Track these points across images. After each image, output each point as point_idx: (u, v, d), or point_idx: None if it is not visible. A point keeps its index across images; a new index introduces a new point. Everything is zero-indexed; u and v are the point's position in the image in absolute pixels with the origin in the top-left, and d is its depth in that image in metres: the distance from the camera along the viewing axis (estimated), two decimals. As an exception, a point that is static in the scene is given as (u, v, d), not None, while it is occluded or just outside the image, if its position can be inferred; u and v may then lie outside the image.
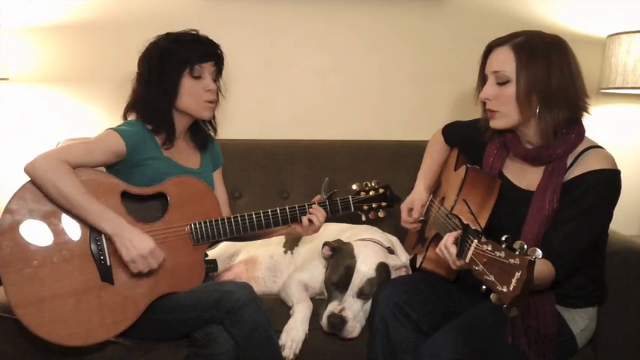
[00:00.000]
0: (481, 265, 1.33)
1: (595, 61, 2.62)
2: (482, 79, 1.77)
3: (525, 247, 1.28)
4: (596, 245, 1.73)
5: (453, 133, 2.13)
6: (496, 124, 1.75)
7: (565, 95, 1.67)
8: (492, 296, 1.31)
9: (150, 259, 1.74)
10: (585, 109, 1.73)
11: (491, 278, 1.30)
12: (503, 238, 1.33)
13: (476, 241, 1.38)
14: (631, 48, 2.42)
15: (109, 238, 1.76)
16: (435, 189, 2.10)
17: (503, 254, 1.30)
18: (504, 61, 1.69)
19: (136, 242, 1.73)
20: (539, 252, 1.27)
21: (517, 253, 1.28)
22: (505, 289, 1.27)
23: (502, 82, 1.69)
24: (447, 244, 1.52)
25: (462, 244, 1.44)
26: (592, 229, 1.66)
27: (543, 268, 1.55)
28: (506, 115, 1.71)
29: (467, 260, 1.39)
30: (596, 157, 1.69)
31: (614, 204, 1.70)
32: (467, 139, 2.04)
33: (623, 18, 2.60)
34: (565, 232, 1.64)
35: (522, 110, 1.68)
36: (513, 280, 1.25)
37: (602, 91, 2.61)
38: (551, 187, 1.70)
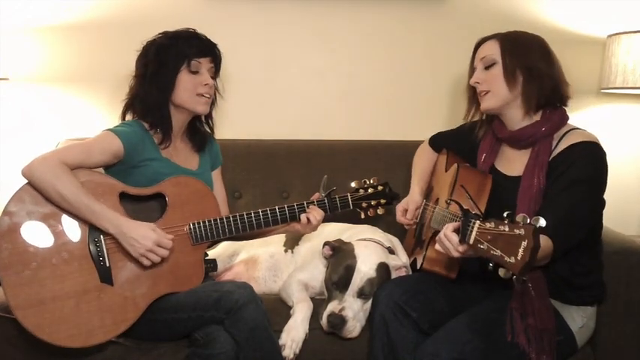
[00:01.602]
0: (486, 243, 1.35)
1: (595, 61, 2.62)
2: (472, 72, 1.92)
3: (528, 219, 1.30)
4: (588, 220, 1.72)
5: (441, 140, 2.20)
6: (487, 104, 1.85)
7: (546, 73, 1.79)
8: (501, 271, 1.33)
9: (158, 250, 1.76)
10: (567, 94, 1.83)
11: (498, 252, 1.32)
12: (505, 214, 1.35)
13: (478, 222, 1.38)
14: (631, 48, 2.42)
15: (112, 238, 1.77)
16: (427, 194, 2.11)
17: (507, 228, 1.32)
18: (490, 48, 1.85)
19: (140, 238, 1.74)
20: (542, 220, 1.30)
21: (521, 224, 1.30)
22: (513, 260, 1.28)
23: (489, 65, 1.84)
24: (447, 233, 1.53)
25: (463, 228, 1.44)
26: (583, 199, 1.68)
27: (542, 241, 1.54)
28: (495, 94, 1.83)
29: (471, 242, 1.39)
30: (578, 133, 1.77)
31: (602, 175, 1.73)
32: (457, 141, 2.10)
33: (623, 18, 2.60)
34: (557, 204, 1.66)
35: (509, 84, 1.80)
36: (520, 250, 1.28)
37: (602, 91, 2.61)
38: (538, 165, 1.75)
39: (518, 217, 1.32)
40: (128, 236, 1.74)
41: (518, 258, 1.28)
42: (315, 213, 1.95)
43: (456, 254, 1.52)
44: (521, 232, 1.29)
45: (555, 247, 1.60)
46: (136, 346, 1.85)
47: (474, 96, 1.93)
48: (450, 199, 1.76)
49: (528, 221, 1.30)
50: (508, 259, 1.29)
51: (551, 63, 1.81)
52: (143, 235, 1.74)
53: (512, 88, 1.80)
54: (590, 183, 1.70)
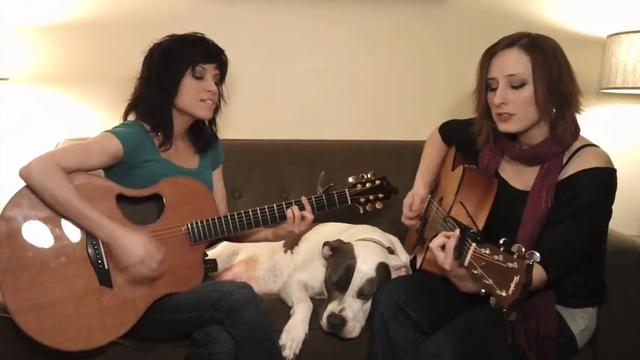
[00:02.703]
0: (480, 269, 1.33)
1: (595, 61, 2.62)
2: (485, 85, 1.75)
3: (523, 250, 1.27)
4: (591, 245, 1.70)
5: (450, 131, 2.14)
6: (509, 127, 1.71)
7: (573, 94, 1.69)
8: (492, 300, 1.31)
9: (148, 261, 1.72)
10: (580, 109, 1.74)
11: (490, 282, 1.30)
12: (501, 241, 1.32)
13: (474, 244, 1.37)
14: (631, 48, 2.42)
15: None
16: (434, 188, 2.10)
17: (501, 258, 1.29)
18: (518, 63, 1.67)
19: (131, 247, 1.71)
20: (537, 255, 1.26)
21: (515, 256, 1.27)
22: (504, 294, 1.26)
23: (518, 85, 1.67)
24: (448, 250, 1.47)
25: (460, 247, 1.43)
26: (585, 229, 1.65)
27: (535, 272, 1.52)
28: (522, 119, 1.69)
29: (465, 264, 1.38)
30: (591, 155, 1.68)
31: (609, 203, 1.69)
32: (464, 138, 2.03)
33: (623, 18, 2.60)
34: (557, 232, 1.62)
35: (541, 111, 1.67)
36: (512, 284, 1.25)
37: (602, 91, 2.61)
38: (546, 186, 1.69)
39: (514, 248, 1.29)
40: (121, 245, 1.71)
41: (510, 293, 1.25)
42: (308, 214, 1.93)
43: (446, 267, 1.48)
44: (515, 265, 1.26)
45: (548, 274, 1.58)
46: (136, 347, 1.85)
47: (487, 109, 1.78)
48: (449, 217, 1.72)
49: (523, 252, 1.27)
50: (499, 292, 1.27)
51: (573, 77, 1.70)
52: (135, 245, 1.71)
53: (542, 113, 1.67)
54: (594, 212, 1.65)
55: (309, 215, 1.94)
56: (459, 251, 1.43)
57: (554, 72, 1.66)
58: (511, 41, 1.70)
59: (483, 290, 1.34)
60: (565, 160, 1.70)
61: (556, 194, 1.68)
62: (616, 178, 1.67)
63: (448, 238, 1.48)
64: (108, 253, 1.77)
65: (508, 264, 1.27)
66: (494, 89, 1.71)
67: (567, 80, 1.68)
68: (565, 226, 1.63)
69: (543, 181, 1.70)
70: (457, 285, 1.54)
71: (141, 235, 1.74)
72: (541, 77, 1.65)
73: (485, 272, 1.32)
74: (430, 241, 1.87)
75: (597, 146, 1.73)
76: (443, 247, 1.49)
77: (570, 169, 1.68)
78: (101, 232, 1.73)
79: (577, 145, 1.71)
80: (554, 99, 1.67)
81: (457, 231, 1.45)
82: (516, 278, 1.25)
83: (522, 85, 1.67)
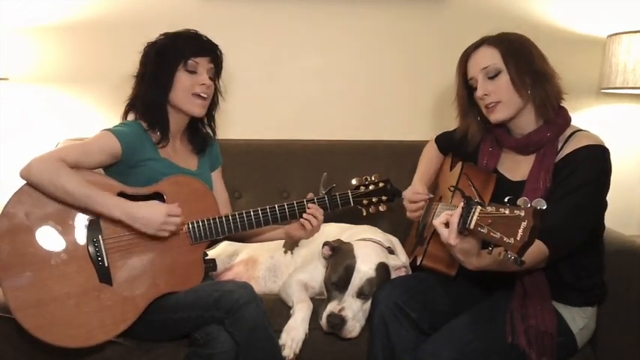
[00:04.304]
0: (486, 227, 1.34)
1: (595, 61, 2.63)
2: (465, 86, 1.86)
3: (529, 203, 1.31)
4: (590, 223, 1.71)
5: (445, 140, 2.18)
6: (498, 116, 1.79)
7: (548, 71, 1.79)
8: (501, 254, 1.33)
9: (169, 223, 1.76)
10: (562, 89, 1.81)
11: (498, 235, 1.32)
12: (506, 199, 1.35)
13: (479, 207, 1.38)
14: (631, 48, 2.42)
15: (111, 238, 1.77)
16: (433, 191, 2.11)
17: (507, 211, 1.32)
18: (489, 56, 1.79)
19: (150, 215, 1.75)
20: (543, 202, 1.31)
21: (522, 207, 1.31)
22: (512, 240, 1.29)
23: (494, 75, 1.78)
24: (452, 224, 1.45)
25: (464, 216, 1.42)
26: (585, 205, 1.67)
27: (535, 247, 1.51)
28: (507, 104, 1.78)
29: (472, 227, 1.37)
30: (584, 136, 1.76)
31: (605, 179, 1.72)
32: (460, 142, 2.05)
33: (623, 18, 2.60)
34: (558, 209, 1.63)
35: (521, 93, 1.76)
36: (520, 230, 1.28)
37: (602, 91, 2.61)
38: (544, 169, 1.74)
39: (519, 201, 1.33)
40: (138, 217, 1.74)
41: (517, 238, 1.28)
42: (317, 212, 1.94)
43: (451, 241, 1.45)
44: (522, 213, 1.30)
45: (551, 252, 1.59)
46: (135, 346, 1.85)
47: (468, 109, 1.89)
48: (454, 187, 1.75)
49: (529, 205, 1.31)
50: (507, 240, 1.30)
51: (546, 60, 1.80)
52: (152, 211, 1.75)
53: (523, 95, 1.76)
54: (592, 187, 1.68)
55: (320, 216, 1.95)
56: (464, 221, 1.41)
57: (523, 54, 1.77)
58: (478, 43, 1.84)
59: (490, 247, 1.35)
60: (560, 145, 1.76)
61: (554, 175, 1.72)
62: (609, 155, 1.73)
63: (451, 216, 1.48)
64: (108, 250, 1.78)
65: (515, 211, 1.31)
66: (477, 88, 1.81)
67: (539, 60, 1.78)
68: (565, 203, 1.65)
69: (540, 164, 1.76)
70: (463, 262, 1.53)
71: (152, 203, 1.78)
72: (513, 62, 1.76)
73: (492, 228, 1.33)
74: (430, 236, 1.88)
75: (588, 131, 1.79)
76: (446, 225, 1.48)
77: (565, 151, 1.74)
78: (116, 211, 1.74)
79: (570, 131, 1.78)
80: (530, 79, 1.76)
81: (461, 204, 1.44)
82: (524, 223, 1.28)
83: (497, 73, 1.77)
